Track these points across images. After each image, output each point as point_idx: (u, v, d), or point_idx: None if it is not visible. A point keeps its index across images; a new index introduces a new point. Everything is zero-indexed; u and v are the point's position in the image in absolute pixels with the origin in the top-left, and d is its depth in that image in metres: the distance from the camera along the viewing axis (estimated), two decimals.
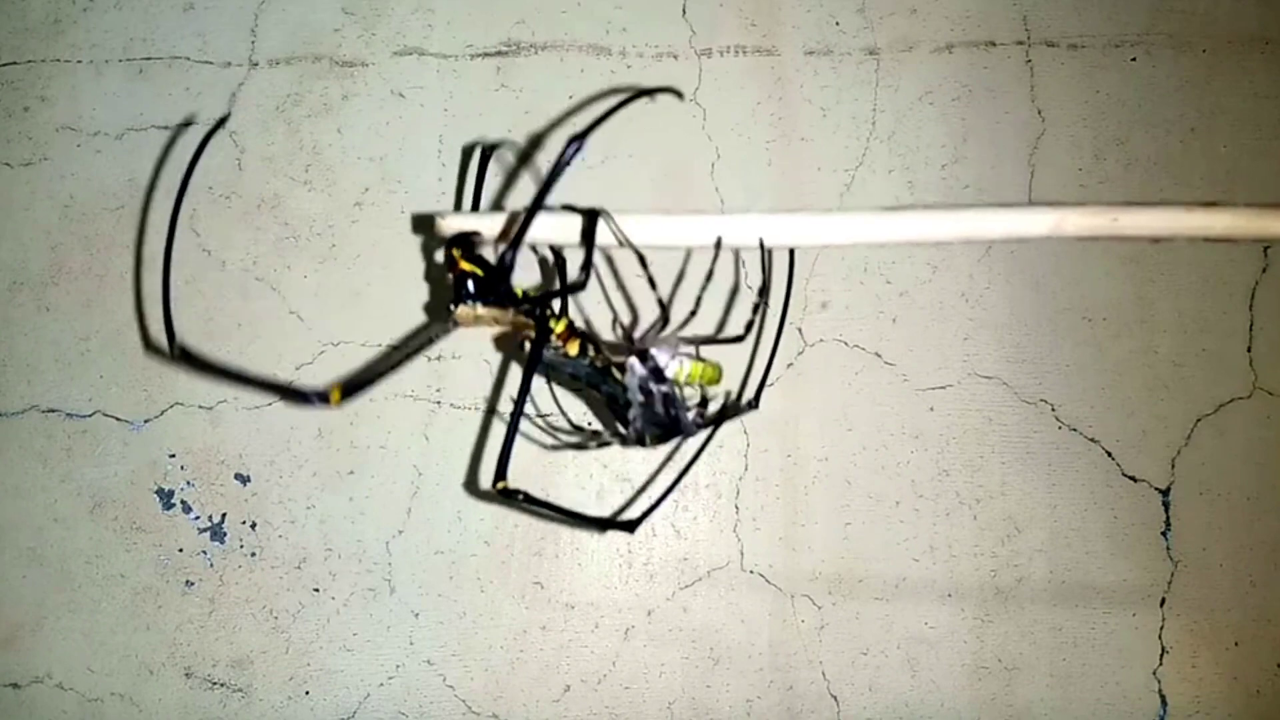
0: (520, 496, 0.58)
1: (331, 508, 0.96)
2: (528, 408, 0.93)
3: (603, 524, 0.73)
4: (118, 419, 0.97)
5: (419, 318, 0.97)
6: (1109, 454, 0.95)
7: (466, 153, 0.98)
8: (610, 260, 0.91)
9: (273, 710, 0.96)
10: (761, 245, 0.68)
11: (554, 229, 0.67)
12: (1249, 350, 0.96)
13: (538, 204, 0.59)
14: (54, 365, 0.97)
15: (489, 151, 0.77)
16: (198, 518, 0.96)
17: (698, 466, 0.95)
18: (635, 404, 0.70)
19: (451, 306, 0.64)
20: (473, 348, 0.96)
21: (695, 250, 0.73)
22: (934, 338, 0.96)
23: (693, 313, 0.70)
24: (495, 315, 0.64)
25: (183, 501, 0.96)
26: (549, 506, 0.66)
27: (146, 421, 0.97)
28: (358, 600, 0.96)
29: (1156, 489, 0.95)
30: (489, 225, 0.69)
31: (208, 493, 0.96)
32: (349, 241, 0.98)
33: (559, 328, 0.67)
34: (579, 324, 0.71)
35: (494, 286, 0.63)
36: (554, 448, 0.94)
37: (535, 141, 0.97)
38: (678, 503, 0.96)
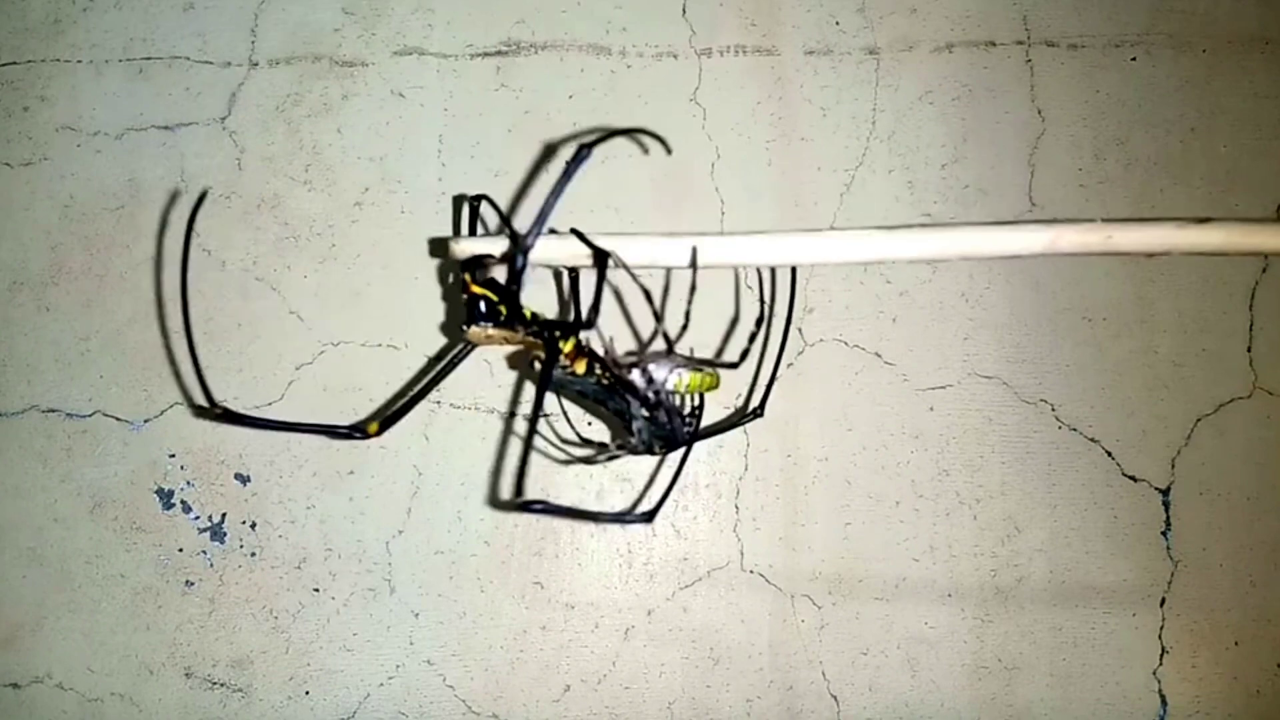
0: (539, 507, 0.61)
1: (331, 508, 0.96)
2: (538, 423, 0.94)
3: (623, 518, 0.76)
4: (118, 419, 0.97)
5: (419, 318, 0.97)
6: (1109, 454, 0.95)
7: (467, 149, 0.98)
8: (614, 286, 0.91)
9: (273, 710, 0.96)
10: (760, 282, 0.69)
11: (563, 250, 0.69)
12: (1249, 350, 0.96)
13: (538, 226, 0.61)
14: (54, 365, 0.97)
15: (476, 204, 0.79)
16: (198, 518, 0.96)
17: (698, 466, 0.96)
18: (639, 417, 0.74)
19: (465, 327, 0.67)
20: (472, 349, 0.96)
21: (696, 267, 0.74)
22: (934, 338, 0.96)
23: (684, 327, 0.73)
24: (506, 335, 0.68)
25: (183, 501, 0.96)
26: (568, 512, 0.76)
27: (146, 421, 0.97)
28: (358, 600, 0.96)
29: (1156, 489, 0.95)
30: (500, 248, 0.71)
31: (208, 493, 0.96)
32: (349, 241, 0.98)
33: (567, 347, 0.70)
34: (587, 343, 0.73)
35: (504, 309, 0.66)
36: (566, 462, 0.94)
37: (543, 153, 0.98)
38: (678, 502, 0.96)
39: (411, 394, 0.62)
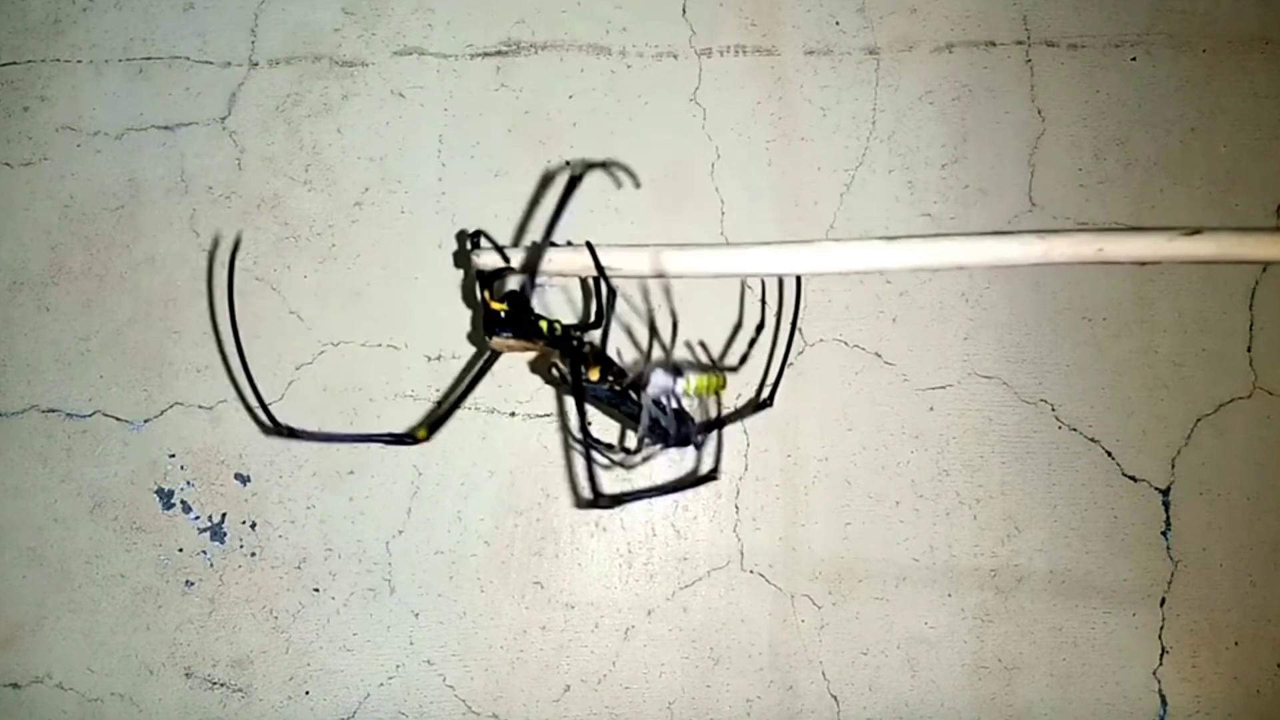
0: (629, 498, 0.71)
1: (331, 508, 0.96)
2: (542, 425, 0.98)
3: (708, 478, 0.80)
4: (118, 419, 0.97)
5: (419, 318, 0.97)
6: (1109, 454, 0.95)
7: (467, 149, 0.98)
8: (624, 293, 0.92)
9: (273, 710, 0.96)
10: (764, 288, 0.80)
11: (575, 263, 0.75)
12: (1249, 350, 0.96)
13: (543, 246, 0.70)
14: (54, 365, 0.97)
15: (475, 239, 0.81)
16: (198, 518, 0.96)
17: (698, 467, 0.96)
18: (649, 419, 0.78)
19: (487, 337, 0.72)
20: (472, 349, 0.96)
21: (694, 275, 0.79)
22: (934, 338, 0.96)
23: (674, 334, 0.80)
24: (524, 345, 0.73)
25: (183, 501, 0.96)
26: (651, 492, 0.86)
27: (146, 421, 0.97)
28: (358, 600, 0.96)
29: (1156, 489, 0.95)
30: (517, 261, 0.77)
31: (208, 493, 0.96)
32: (349, 241, 0.98)
33: (594, 374, 0.75)
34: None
35: (519, 321, 0.71)
36: (606, 466, 0.94)
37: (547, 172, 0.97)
38: (678, 502, 0.96)
39: (452, 399, 0.67)
